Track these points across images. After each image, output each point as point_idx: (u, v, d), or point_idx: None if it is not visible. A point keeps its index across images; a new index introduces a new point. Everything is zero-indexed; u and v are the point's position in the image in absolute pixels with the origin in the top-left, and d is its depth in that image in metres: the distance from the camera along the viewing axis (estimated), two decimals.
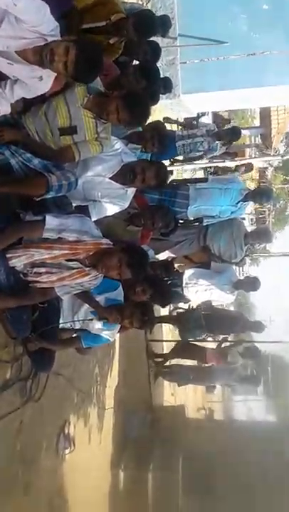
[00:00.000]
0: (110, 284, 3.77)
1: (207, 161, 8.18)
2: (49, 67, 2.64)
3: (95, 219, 3.61)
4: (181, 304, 9.07)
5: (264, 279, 7.47)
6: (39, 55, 2.60)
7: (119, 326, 4.03)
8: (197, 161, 8.52)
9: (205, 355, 8.44)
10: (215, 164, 11.49)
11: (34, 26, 2.53)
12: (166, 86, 5.98)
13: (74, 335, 4.05)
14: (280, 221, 26.28)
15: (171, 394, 11.09)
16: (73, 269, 3.24)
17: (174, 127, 8.12)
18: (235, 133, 6.72)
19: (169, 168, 6.66)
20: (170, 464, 7.21)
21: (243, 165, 8.91)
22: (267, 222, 19.62)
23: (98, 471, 6.08)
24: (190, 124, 8.58)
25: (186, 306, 9.09)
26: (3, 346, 3.58)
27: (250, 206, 16.44)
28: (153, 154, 4.62)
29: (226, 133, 6.59)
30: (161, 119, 6.92)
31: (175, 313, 8.98)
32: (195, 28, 8.68)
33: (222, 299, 6.99)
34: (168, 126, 7.20)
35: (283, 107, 14.99)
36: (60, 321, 3.85)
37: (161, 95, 5.10)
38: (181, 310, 9.06)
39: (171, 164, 7.74)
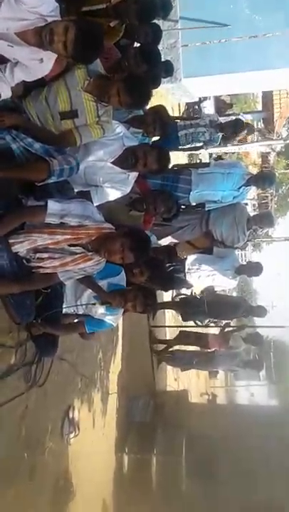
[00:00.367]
0: (113, 269, 3.77)
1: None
2: (49, 48, 2.61)
3: (97, 204, 3.60)
4: (183, 290, 9.10)
5: (266, 265, 7.46)
6: (39, 36, 2.57)
7: (122, 311, 4.04)
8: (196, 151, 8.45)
9: (208, 341, 8.48)
10: (218, 150, 11.43)
11: (34, 7, 2.50)
12: (167, 70, 5.92)
13: (77, 320, 4.07)
14: (283, 207, 26.17)
15: (175, 379, 11.15)
16: (76, 254, 3.24)
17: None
18: (238, 126, 6.65)
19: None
20: (173, 449, 7.26)
21: (244, 127, 8.70)
22: (269, 208, 19.55)
23: (102, 455, 6.13)
24: (192, 107, 8.50)
25: (188, 291, 9.12)
26: (8, 332, 3.59)
27: (253, 192, 16.39)
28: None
29: (228, 125, 6.55)
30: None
31: (178, 299, 9.00)
32: (196, 11, 8.58)
33: (224, 284, 7.00)
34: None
35: (286, 90, 14.86)
36: (64, 306, 3.85)
37: (162, 79, 5.05)
38: (183, 296, 9.08)
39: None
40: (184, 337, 8.73)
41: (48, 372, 4.18)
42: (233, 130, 6.54)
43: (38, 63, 2.75)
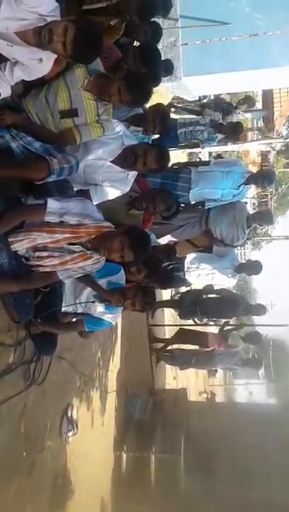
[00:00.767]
0: (112, 267, 3.76)
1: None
2: (48, 47, 2.60)
3: (97, 203, 3.60)
4: (182, 289, 9.10)
5: (266, 264, 7.46)
6: (38, 36, 2.57)
7: (121, 310, 4.04)
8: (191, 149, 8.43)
9: (207, 339, 8.48)
10: (217, 148, 11.41)
11: (33, 7, 2.49)
12: (167, 68, 5.92)
13: (76, 319, 4.07)
14: (282, 205, 26.11)
15: (173, 377, 11.16)
16: (75, 252, 3.23)
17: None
18: (237, 129, 6.70)
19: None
20: (172, 447, 7.27)
21: (243, 100, 8.67)
22: (269, 207, 19.53)
23: (101, 453, 6.14)
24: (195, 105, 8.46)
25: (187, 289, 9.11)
26: (7, 330, 3.60)
27: (252, 190, 16.37)
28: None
29: (228, 128, 6.55)
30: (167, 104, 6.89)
31: (176, 298, 9.00)
32: (196, 9, 8.56)
33: (224, 282, 7.01)
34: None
35: (286, 89, 14.81)
36: (63, 304, 3.86)
37: (162, 78, 5.05)
38: (181, 293, 9.08)
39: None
40: (182, 335, 8.73)
41: (47, 371, 4.18)
42: (233, 133, 6.57)
43: (37, 63, 2.75)
